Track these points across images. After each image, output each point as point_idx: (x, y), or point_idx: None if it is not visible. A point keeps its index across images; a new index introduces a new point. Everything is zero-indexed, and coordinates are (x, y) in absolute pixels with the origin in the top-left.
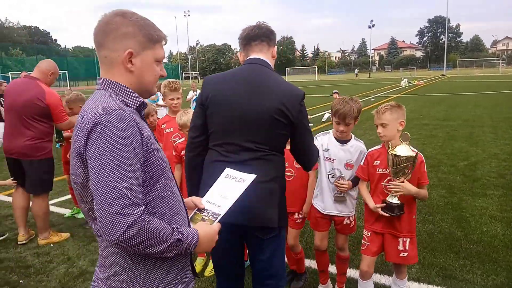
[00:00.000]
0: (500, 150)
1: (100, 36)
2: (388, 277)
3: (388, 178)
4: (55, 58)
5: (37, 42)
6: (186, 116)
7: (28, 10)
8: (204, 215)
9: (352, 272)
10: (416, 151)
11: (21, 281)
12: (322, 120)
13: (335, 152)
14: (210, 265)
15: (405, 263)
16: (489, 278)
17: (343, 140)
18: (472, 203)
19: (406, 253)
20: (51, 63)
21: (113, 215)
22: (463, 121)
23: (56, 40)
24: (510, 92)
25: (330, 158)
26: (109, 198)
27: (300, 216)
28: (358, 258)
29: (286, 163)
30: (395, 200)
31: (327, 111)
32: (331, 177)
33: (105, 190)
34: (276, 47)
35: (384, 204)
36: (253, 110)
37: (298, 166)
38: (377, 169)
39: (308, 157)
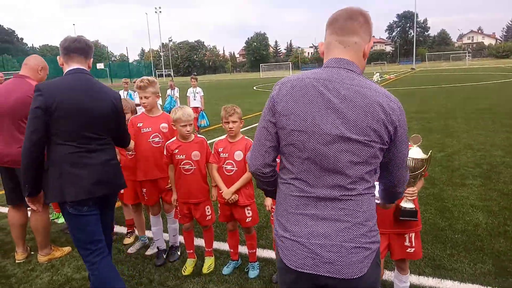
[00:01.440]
0: (474, 141)
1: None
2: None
3: None
4: (22, 57)
5: (2, 41)
6: (181, 111)
7: None
8: None
9: None
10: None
11: None
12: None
13: None
14: (207, 262)
15: (413, 258)
16: (476, 266)
17: None
18: (452, 193)
19: (413, 249)
20: (39, 58)
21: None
22: (436, 114)
23: (22, 39)
24: (477, 84)
25: None
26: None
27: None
28: None
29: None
30: (410, 205)
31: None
32: None
33: None
34: (92, 59)
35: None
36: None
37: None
38: None
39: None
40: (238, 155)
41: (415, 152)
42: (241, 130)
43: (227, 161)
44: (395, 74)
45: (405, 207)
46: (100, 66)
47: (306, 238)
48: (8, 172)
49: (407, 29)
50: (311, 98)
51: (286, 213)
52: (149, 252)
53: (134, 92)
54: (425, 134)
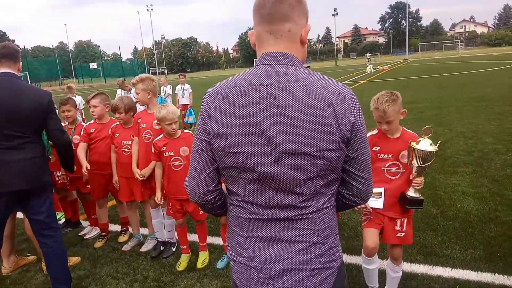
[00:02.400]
0: (466, 129)
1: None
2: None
3: (390, 163)
4: None
5: None
6: (165, 109)
7: None
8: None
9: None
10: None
11: None
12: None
13: None
14: (201, 257)
15: (402, 243)
16: (467, 252)
17: None
18: (444, 181)
19: (403, 233)
20: None
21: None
22: (429, 103)
23: (13, 41)
24: (470, 73)
25: None
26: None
27: None
28: (341, 243)
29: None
30: (417, 194)
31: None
32: None
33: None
34: (21, 62)
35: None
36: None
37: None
38: (378, 154)
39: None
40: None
41: (426, 145)
42: None
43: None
44: (388, 65)
45: (413, 196)
46: (93, 66)
47: (260, 263)
48: None
49: (399, 20)
50: (246, 111)
51: (237, 236)
52: (143, 249)
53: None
54: (418, 124)
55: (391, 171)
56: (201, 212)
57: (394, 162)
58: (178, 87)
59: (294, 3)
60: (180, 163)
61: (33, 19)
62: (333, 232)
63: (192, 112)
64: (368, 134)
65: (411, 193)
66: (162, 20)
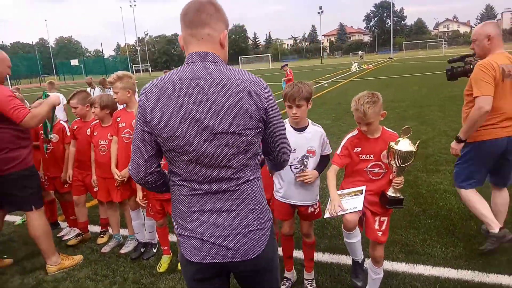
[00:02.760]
0: (448, 127)
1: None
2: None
3: (373, 163)
4: None
5: None
6: None
7: None
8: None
9: (318, 256)
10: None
11: None
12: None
13: (294, 141)
14: None
15: (378, 241)
16: (448, 250)
17: (300, 128)
18: (427, 179)
19: (381, 232)
20: None
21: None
22: (411, 102)
23: None
24: None
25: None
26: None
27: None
28: (324, 242)
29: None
30: (397, 194)
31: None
32: (294, 168)
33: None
34: None
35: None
36: None
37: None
38: (360, 155)
39: None
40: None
41: (405, 145)
42: None
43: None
44: (373, 64)
45: (393, 196)
46: (74, 62)
47: (204, 233)
48: None
49: (384, 18)
50: (179, 101)
51: (181, 212)
52: (123, 250)
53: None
54: (400, 123)
55: (374, 171)
56: None
57: (376, 162)
58: None
59: (212, 12)
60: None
61: (12, 14)
62: (262, 199)
63: None
64: (348, 136)
65: (391, 192)
66: (145, 16)
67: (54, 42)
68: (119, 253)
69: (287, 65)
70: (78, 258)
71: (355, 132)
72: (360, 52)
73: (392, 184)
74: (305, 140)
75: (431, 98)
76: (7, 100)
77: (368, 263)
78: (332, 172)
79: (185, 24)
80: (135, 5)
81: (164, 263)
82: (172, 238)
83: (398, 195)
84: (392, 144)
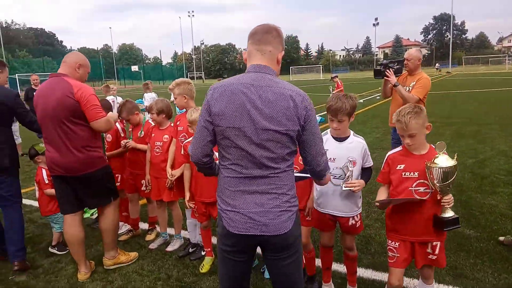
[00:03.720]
0: (509, 147)
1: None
2: (411, 280)
3: (417, 182)
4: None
5: (43, 44)
6: (197, 112)
7: (34, 12)
8: None
9: (361, 271)
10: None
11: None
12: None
13: (334, 151)
14: None
15: (434, 265)
16: (500, 277)
17: (340, 138)
18: (481, 201)
19: (435, 256)
20: (78, 55)
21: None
22: (468, 119)
23: (61, 42)
24: None
25: (329, 158)
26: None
27: (357, 219)
28: (367, 258)
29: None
30: (451, 213)
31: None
32: (333, 178)
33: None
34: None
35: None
36: None
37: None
38: (403, 173)
39: None
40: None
41: (443, 160)
42: None
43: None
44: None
45: (447, 217)
46: (134, 68)
47: (245, 209)
48: (60, 180)
49: (443, 31)
50: (239, 99)
51: (227, 191)
52: (169, 248)
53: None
54: (456, 140)
55: (419, 191)
56: None
57: (421, 181)
58: None
59: (276, 35)
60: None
61: (80, 21)
62: (293, 187)
63: None
64: (391, 152)
65: (444, 213)
66: (202, 26)
67: (117, 49)
68: (165, 251)
69: (337, 76)
70: (134, 255)
71: (398, 148)
72: (437, 64)
73: (442, 203)
74: (346, 150)
75: (491, 116)
76: (91, 97)
77: (417, 284)
78: (382, 189)
79: (253, 41)
80: (193, 15)
81: (206, 264)
82: (215, 240)
83: (451, 214)
84: (428, 163)
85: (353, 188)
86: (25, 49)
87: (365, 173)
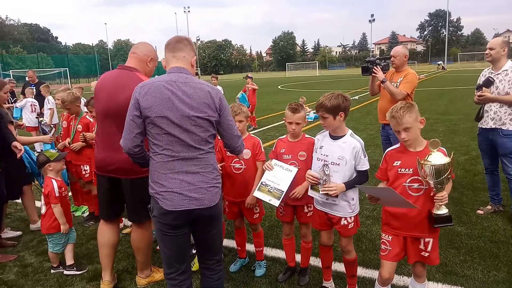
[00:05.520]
0: None
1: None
2: (401, 277)
3: (411, 178)
4: (56, 56)
5: (38, 40)
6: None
7: (28, 8)
8: (269, 189)
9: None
10: (444, 152)
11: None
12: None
13: (327, 147)
14: None
15: (426, 262)
16: (490, 274)
17: (335, 136)
18: (473, 198)
19: (427, 253)
20: (148, 46)
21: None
22: (463, 115)
23: (56, 38)
24: None
25: (324, 154)
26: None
27: (310, 209)
28: (358, 255)
29: (290, 156)
30: (444, 211)
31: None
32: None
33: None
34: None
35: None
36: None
37: (302, 158)
38: (399, 169)
39: None
40: (246, 153)
41: (437, 157)
42: (263, 128)
43: (235, 159)
44: (425, 74)
45: (439, 214)
46: None
47: (179, 188)
48: (109, 182)
49: (439, 28)
50: (163, 95)
51: (161, 174)
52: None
53: None
54: (449, 137)
55: (413, 187)
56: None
57: (415, 177)
58: None
59: (187, 43)
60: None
61: (75, 17)
62: (216, 167)
63: None
64: (390, 148)
65: (437, 211)
66: (198, 22)
67: (112, 45)
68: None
69: (251, 77)
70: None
71: (397, 145)
72: (439, 62)
73: (435, 200)
74: (337, 148)
75: None
76: None
77: (409, 281)
78: (380, 185)
79: (168, 50)
80: (189, 11)
81: (197, 262)
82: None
83: (444, 212)
84: (421, 161)
85: (329, 192)
86: (19, 45)
87: (358, 176)
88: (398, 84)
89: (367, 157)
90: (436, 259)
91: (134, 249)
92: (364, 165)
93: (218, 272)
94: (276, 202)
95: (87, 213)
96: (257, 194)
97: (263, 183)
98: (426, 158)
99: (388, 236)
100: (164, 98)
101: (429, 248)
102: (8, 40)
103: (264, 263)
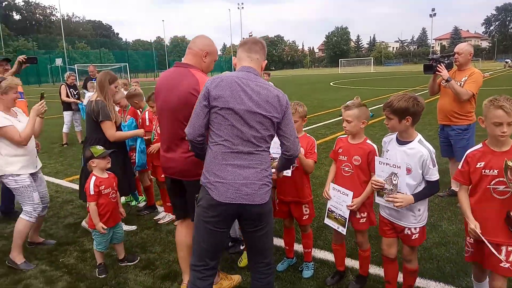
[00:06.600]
0: None
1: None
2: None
3: (496, 180)
4: (117, 51)
5: (100, 36)
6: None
7: (93, 5)
8: (335, 215)
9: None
10: None
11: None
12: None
13: (392, 153)
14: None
15: (506, 275)
16: None
17: (402, 141)
18: None
19: (507, 264)
20: (205, 39)
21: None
22: None
23: (118, 34)
24: None
25: (388, 159)
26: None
27: (363, 215)
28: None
29: (345, 157)
30: None
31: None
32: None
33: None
34: None
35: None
36: None
37: (356, 163)
38: (483, 170)
39: None
40: (286, 172)
41: None
42: (313, 126)
43: None
44: (490, 73)
45: None
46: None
47: (232, 180)
48: (173, 183)
49: (507, 23)
50: (233, 88)
51: (216, 165)
52: None
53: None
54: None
55: (498, 189)
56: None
57: (501, 179)
58: None
59: (261, 47)
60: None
61: (135, 14)
62: (269, 166)
63: None
64: (471, 149)
65: None
66: (251, 18)
67: (169, 41)
68: None
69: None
70: (237, 278)
71: (478, 146)
72: (507, 60)
73: None
74: (404, 155)
75: None
76: None
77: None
78: (461, 191)
79: (243, 49)
80: (242, 8)
81: (244, 259)
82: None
83: None
84: (509, 161)
85: (395, 204)
86: (83, 41)
87: (426, 187)
88: (462, 83)
89: (436, 166)
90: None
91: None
92: (433, 176)
93: (268, 276)
94: (343, 230)
95: (144, 203)
96: (327, 221)
97: (330, 210)
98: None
99: (471, 238)
100: (233, 91)
101: (510, 258)
102: (74, 36)
103: (312, 264)
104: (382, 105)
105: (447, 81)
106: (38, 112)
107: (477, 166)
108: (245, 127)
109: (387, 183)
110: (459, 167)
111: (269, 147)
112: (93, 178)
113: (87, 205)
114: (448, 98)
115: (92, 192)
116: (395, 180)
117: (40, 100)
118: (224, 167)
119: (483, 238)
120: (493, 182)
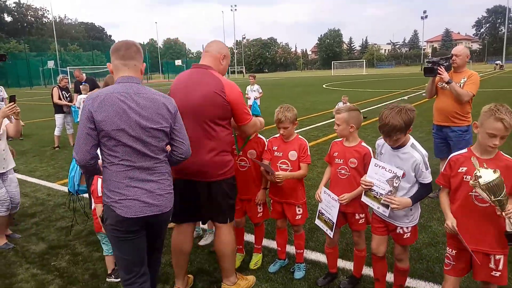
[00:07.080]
0: None
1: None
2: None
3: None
4: (109, 53)
5: (93, 38)
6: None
7: (85, 7)
8: (325, 218)
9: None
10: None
11: None
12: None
13: (386, 157)
14: (254, 259)
15: (496, 283)
16: None
17: (396, 145)
18: None
19: (498, 273)
20: (221, 43)
21: None
22: None
23: (110, 36)
24: None
25: (383, 161)
26: None
27: (361, 216)
28: (414, 267)
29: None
30: None
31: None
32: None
33: None
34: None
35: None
36: None
37: (293, 158)
38: (464, 176)
39: None
40: (292, 155)
41: (487, 174)
42: (306, 128)
43: (281, 160)
44: (480, 75)
45: (509, 231)
46: (178, 62)
47: (137, 195)
48: (183, 186)
49: (497, 25)
50: (117, 107)
51: (116, 183)
52: (202, 242)
53: None
54: (508, 142)
55: (480, 197)
56: (259, 215)
57: None
58: (248, 87)
59: (136, 50)
60: (245, 164)
61: (128, 16)
62: (170, 174)
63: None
64: (456, 153)
65: (508, 228)
66: (244, 20)
67: (162, 43)
68: (198, 245)
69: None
70: (252, 279)
71: (463, 150)
72: (497, 62)
73: (505, 216)
74: (396, 160)
75: None
76: (242, 98)
77: None
78: (442, 193)
79: (118, 56)
80: (235, 10)
81: (236, 260)
82: (247, 238)
83: None
84: (472, 182)
85: (391, 205)
86: (76, 43)
87: (420, 189)
88: (462, 84)
89: (429, 169)
90: (505, 279)
91: (219, 256)
92: (426, 178)
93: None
94: (331, 233)
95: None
96: (317, 222)
97: (320, 212)
98: (475, 177)
99: (452, 251)
100: (119, 111)
101: (500, 267)
102: (66, 38)
103: (304, 265)
104: (381, 126)
105: (448, 83)
106: (4, 114)
107: (459, 170)
108: (140, 145)
109: (388, 184)
110: (442, 170)
111: (166, 156)
112: (100, 180)
113: (93, 207)
114: (448, 99)
115: (100, 194)
116: (396, 183)
117: (10, 102)
118: (127, 184)
119: (459, 234)
120: (475, 189)
